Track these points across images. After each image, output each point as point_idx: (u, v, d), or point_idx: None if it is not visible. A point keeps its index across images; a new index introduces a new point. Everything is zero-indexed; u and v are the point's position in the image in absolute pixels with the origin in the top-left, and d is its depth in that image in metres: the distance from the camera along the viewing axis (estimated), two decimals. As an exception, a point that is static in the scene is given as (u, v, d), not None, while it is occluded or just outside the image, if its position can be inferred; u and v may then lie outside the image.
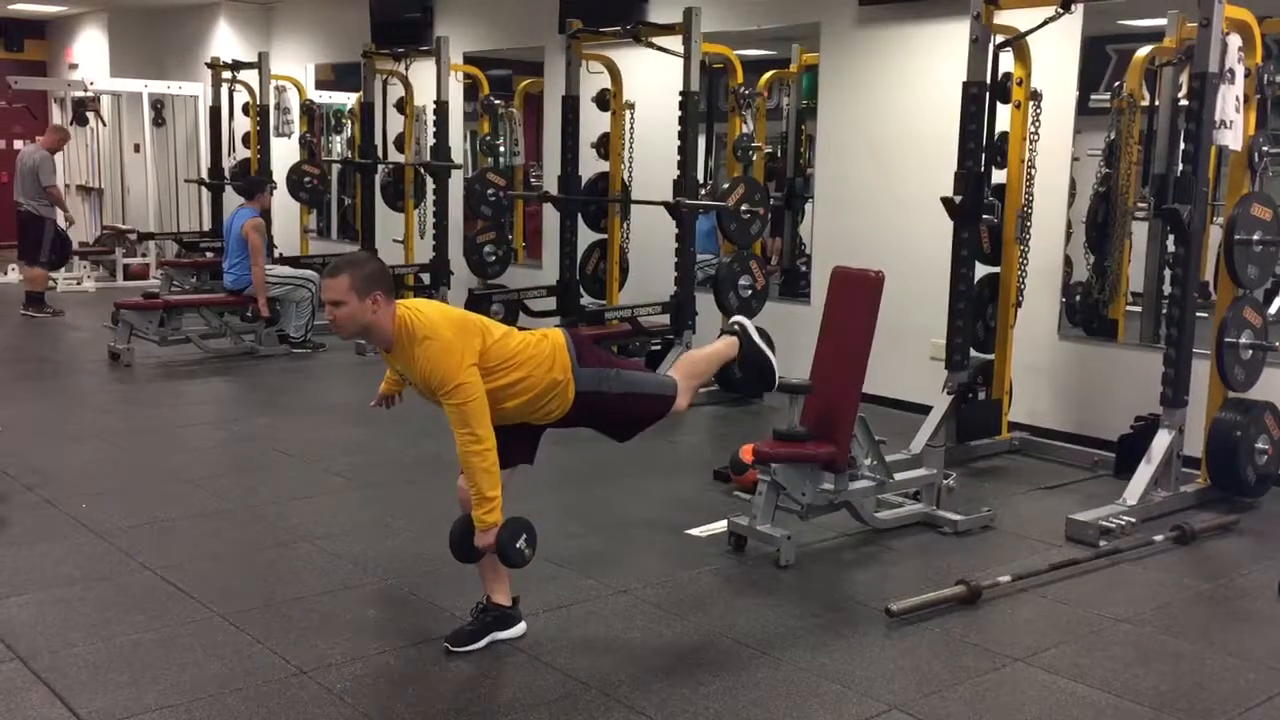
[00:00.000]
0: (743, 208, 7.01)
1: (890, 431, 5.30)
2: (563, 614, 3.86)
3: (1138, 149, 6.11)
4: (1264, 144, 5.14)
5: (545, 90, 9.44)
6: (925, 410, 5.92)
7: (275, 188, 9.84)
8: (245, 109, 11.74)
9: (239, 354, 8.50)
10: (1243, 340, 5.16)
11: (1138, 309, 6.31)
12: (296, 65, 12.25)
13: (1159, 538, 4.68)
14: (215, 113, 11.66)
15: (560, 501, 5.12)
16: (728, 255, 7.21)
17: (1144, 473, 5.02)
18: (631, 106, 8.11)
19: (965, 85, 5.66)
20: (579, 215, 8.07)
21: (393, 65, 9.92)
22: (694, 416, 6.99)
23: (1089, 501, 5.11)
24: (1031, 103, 5.84)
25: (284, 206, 11.08)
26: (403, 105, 10.01)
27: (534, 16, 9.31)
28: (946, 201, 5.71)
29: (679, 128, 6.99)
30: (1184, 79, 5.68)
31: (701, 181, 7.45)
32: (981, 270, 6.00)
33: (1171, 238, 5.36)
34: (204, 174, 12.18)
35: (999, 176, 5.90)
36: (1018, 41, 5.70)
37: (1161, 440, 5.07)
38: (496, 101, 9.83)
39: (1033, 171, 5.91)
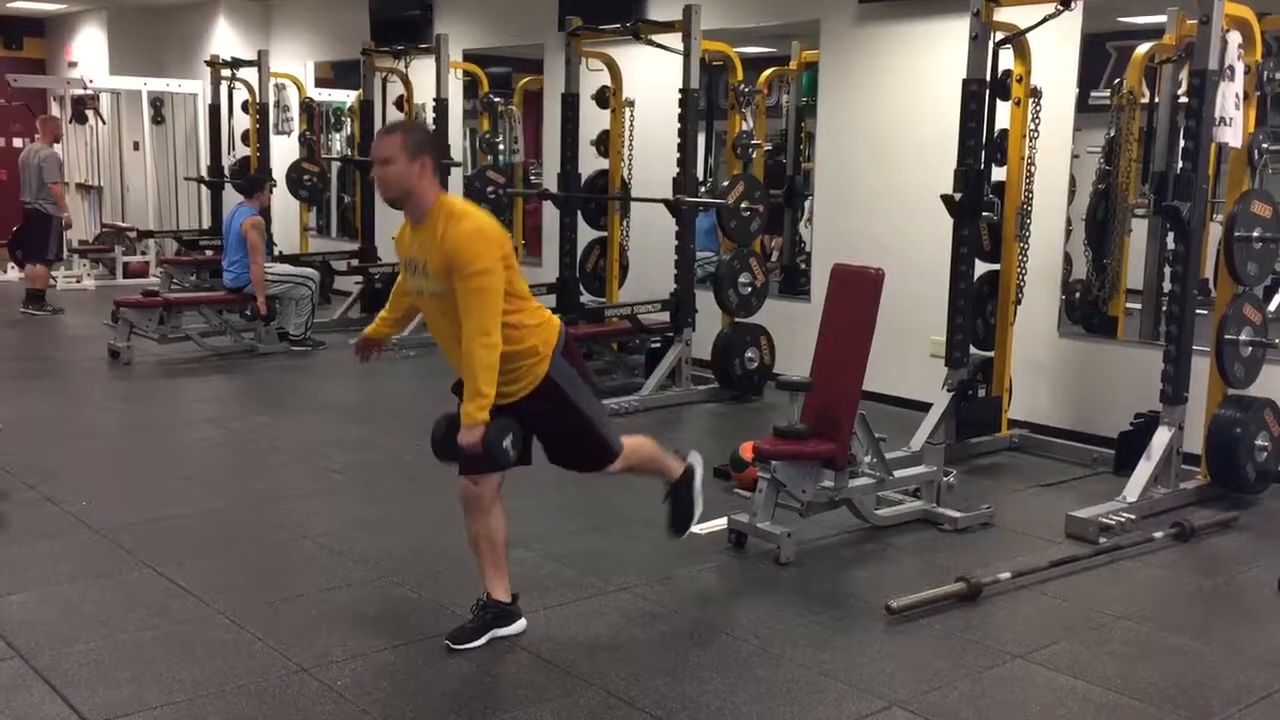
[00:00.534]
0: (742, 205, 7.00)
1: (890, 429, 5.30)
2: (563, 611, 3.87)
3: (1138, 146, 6.11)
4: (1264, 141, 5.13)
5: (545, 88, 9.44)
6: (925, 408, 5.92)
7: (275, 185, 9.84)
8: (245, 107, 11.74)
9: (239, 352, 8.50)
10: (1242, 337, 5.16)
11: (1137, 306, 6.31)
12: (296, 63, 12.25)
13: (1159, 534, 4.69)
14: (215, 110, 11.66)
15: (560, 499, 5.12)
16: (728, 253, 7.21)
17: (1144, 470, 5.03)
18: (631, 104, 8.10)
19: (965, 82, 5.66)
20: (579, 213, 8.07)
21: (392, 63, 9.92)
22: (693, 414, 7.00)
23: (1089, 498, 5.10)
24: (1031, 100, 5.84)
25: (283, 204, 11.08)
26: (402, 103, 10.01)
27: (533, 14, 9.31)
28: (946, 199, 5.71)
29: (679, 125, 6.99)
30: (1184, 76, 5.68)
31: (701, 179, 7.45)
32: (981, 268, 6.00)
33: (1171, 235, 5.36)
34: (203, 172, 12.17)
35: (999, 174, 5.91)
36: (1018, 38, 5.70)
37: (1161, 437, 5.08)
38: (496, 99, 9.82)
39: (1032, 169, 5.91)
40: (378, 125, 10.07)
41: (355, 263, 10.13)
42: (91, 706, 3.16)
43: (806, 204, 8.13)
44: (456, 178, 9.36)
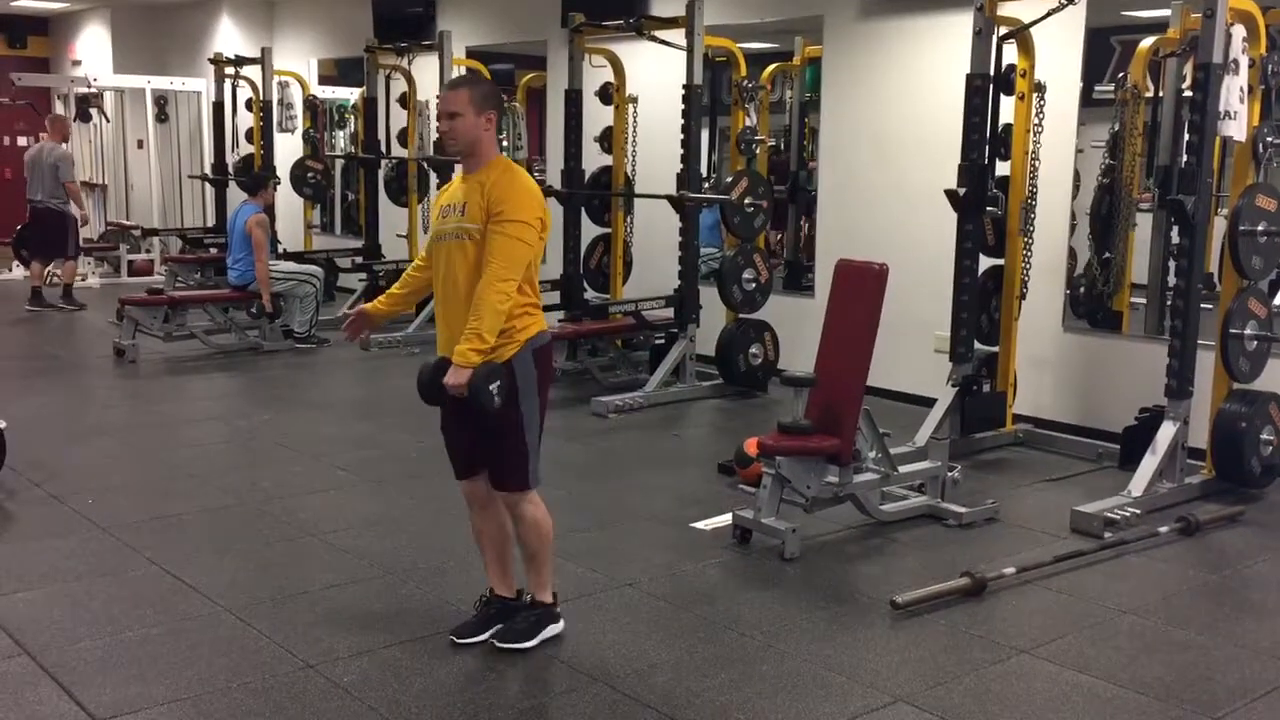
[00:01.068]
0: (746, 201, 7.00)
1: (894, 424, 5.30)
2: (568, 607, 3.86)
3: (1142, 141, 6.10)
4: (1268, 135, 5.12)
5: (548, 84, 9.43)
6: (929, 403, 5.92)
7: (279, 183, 9.84)
8: (248, 104, 11.74)
9: (243, 349, 8.51)
10: (1247, 331, 5.16)
11: (1142, 301, 6.30)
12: (299, 60, 12.25)
13: (1164, 529, 4.68)
14: (218, 108, 11.67)
15: (564, 495, 5.12)
16: (731, 249, 7.20)
17: (1149, 464, 5.02)
18: (634, 100, 8.10)
19: (969, 77, 5.65)
20: (582, 209, 8.07)
21: (395, 60, 9.92)
22: (697, 410, 7.00)
23: (1094, 493, 5.11)
24: (1035, 94, 5.83)
25: (287, 202, 11.09)
26: (405, 100, 10.01)
27: (536, 11, 9.31)
28: (950, 194, 5.70)
29: (682, 121, 6.99)
30: (1188, 70, 5.67)
31: (705, 175, 7.45)
32: (985, 262, 5.99)
33: (1176, 229, 5.35)
34: (207, 170, 12.18)
35: (1003, 168, 5.90)
36: (1021, 33, 5.69)
37: (1166, 432, 5.07)
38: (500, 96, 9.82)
39: (1036, 163, 5.90)
40: (381, 123, 10.09)
41: (359, 260, 10.14)
42: (98, 704, 3.17)
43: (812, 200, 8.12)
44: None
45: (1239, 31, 4.85)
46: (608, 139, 8.15)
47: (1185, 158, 5.02)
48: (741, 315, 7.23)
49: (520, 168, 3.51)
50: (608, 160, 8.20)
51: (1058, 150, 6.12)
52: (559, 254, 8.22)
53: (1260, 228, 5.06)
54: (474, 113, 3.37)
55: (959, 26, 6.18)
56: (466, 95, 3.39)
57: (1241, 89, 4.87)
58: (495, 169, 3.41)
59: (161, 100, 13.27)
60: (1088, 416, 6.25)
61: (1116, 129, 6.06)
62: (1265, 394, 5.25)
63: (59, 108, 12.95)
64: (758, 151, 7.40)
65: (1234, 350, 5.15)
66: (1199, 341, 5.11)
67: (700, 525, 4.75)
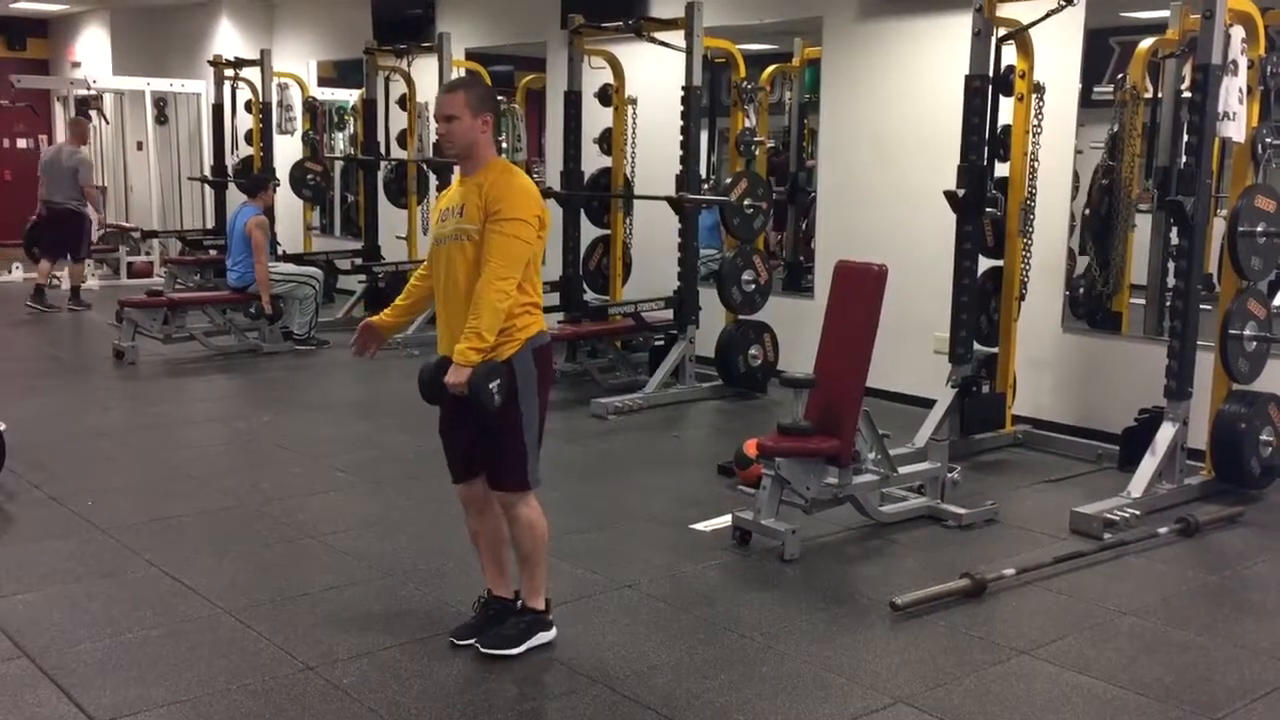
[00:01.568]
0: (745, 202, 7.00)
1: (894, 425, 5.30)
2: (567, 608, 3.86)
3: (1141, 141, 6.11)
4: (1267, 136, 5.13)
5: (547, 86, 9.43)
6: (929, 404, 5.92)
7: (278, 185, 9.85)
8: (248, 106, 11.75)
9: (243, 351, 8.51)
10: (1247, 332, 5.16)
11: (1142, 301, 6.30)
12: (299, 62, 12.25)
13: (1163, 530, 4.68)
14: (218, 110, 11.67)
15: (564, 496, 5.12)
16: (731, 250, 7.21)
17: (1148, 465, 5.02)
18: (634, 102, 8.10)
19: (968, 78, 5.66)
20: (581, 211, 8.07)
21: (395, 62, 9.92)
22: (697, 411, 7.00)
23: (1093, 494, 5.10)
24: (1034, 95, 5.84)
25: (287, 204, 11.09)
26: (405, 102, 10.01)
27: (536, 12, 9.31)
28: (949, 195, 5.71)
29: (681, 123, 6.99)
30: (1187, 71, 5.67)
31: (704, 176, 7.45)
32: (985, 263, 5.99)
33: (1175, 230, 5.35)
34: (207, 171, 12.18)
35: (1002, 169, 5.90)
36: (1020, 34, 5.70)
37: (1166, 433, 5.07)
38: (499, 97, 9.82)
39: (1035, 164, 5.91)
40: (380, 125, 10.09)
41: (359, 262, 10.14)
42: (98, 706, 3.17)
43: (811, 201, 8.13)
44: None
45: (1238, 32, 4.85)
46: (607, 140, 8.15)
47: (1184, 159, 5.03)
48: (741, 316, 7.23)
49: (518, 168, 3.51)
50: (607, 162, 8.20)
51: (1057, 151, 6.12)
52: (558, 255, 8.22)
53: (1259, 228, 5.06)
54: (470, 115, 3.38)
55: (958, 28, 6.18)
56: (463, 98, 3.39)
57: (1240, 90, 4.87)
58: (493, 170, 3.41)
59: (161, 102, 13.27)
60: (1087, 417, 6.25)
61: (1115, 130, 6.06)
62: (1265, 395, 5.25)
63: (59, 110, 12.95)
64: (757, 153, 7.40)
65: (1233, 351, 5.15)
66: (1198, 342, 5.11)
67: (700, 527, 4.75)
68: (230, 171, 11.73)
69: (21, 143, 15.56)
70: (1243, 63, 4.87)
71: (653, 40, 7.37)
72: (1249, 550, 4.65)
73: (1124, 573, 4.36)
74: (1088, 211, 6.28)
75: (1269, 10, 5.18)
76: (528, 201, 3.36)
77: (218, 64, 11.41)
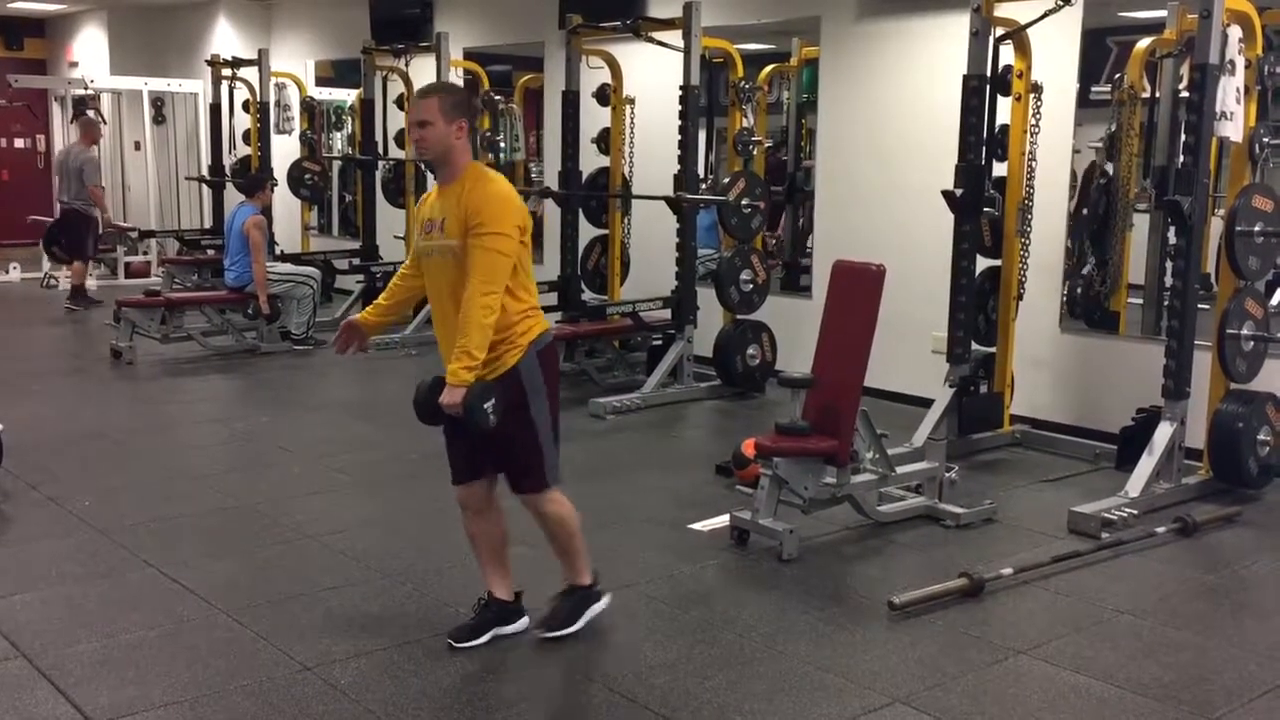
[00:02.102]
0: (743, 202, 7.00)
1: (892, 425, 5.30)
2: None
3: (1139, 141, 6.11)
4: (1265, 135, 5.13)
5: (545, 85, 9.43)
6: (927, 404, 5.92)
7: (276, 185, 9.84)
8: (245, 106, 11.73)
9: (241, 351, 8.51)
10: (1244, 332, 5.16)
11: (1139, 301, 6.31)
12: (296, 62, 12.24)
13: (1161, 529, 4.69)
14: (215, 110, 11.66)
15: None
16: (729, 250, 7.21)
17: (1146, 465, 5.03)
18: (632, 101, 8.10)
19: (965, 78, 5.66)
20: (580, 211, 8.07)
21: (393, 61, 9.92)
22: (695, 411, 7.00)
23: (1091, 494, 5.11)
24: (1032, 95, 5.84)
25: (285, 203, 11.08)
26: (403, 101, 10.00)
27: (534, 12, 9.31)
28: (947, 194, 5.71)
29: (679, 122, 6.99)
30: (1185, 71, 5.67)
31: (702, 176, 7.45)
32: (982, 263, 5.99)
33: (1172, 230, 5.35)
34: (205, 171, 12.17)
35: (999, 169, 5.90)
36: (1018, 34, 5.70)
37: (1163, 432, 5.08)
38: (497, 97, 9.82)
39: (1033, 164, 5.91)
40: (378, 124, 10.08)
41: (357, 261, 10.14)
42: (95, 706, 3.17)
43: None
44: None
45: (1235, 32, 4.85)
46: (605, 140, 8.14)
47: (1182, 158, 5.03)
48: (739, 316, 7.23)
49: (495, 174, 3.48)
50: (605, 161, 8.20)
51: (1054, 151, 6.13)
52: (557, 255, 8.23)
53: (1257, 228, 5.06)
54: (444, 121, 3.35)
55: (956, 27, 6.18)
56: (437, 103, 3.36)
57: (1238, 89, 4.87)
58: (469, 179, 3.38)
59: (158, 102, 13.25)
60: (1085, 417, 6.25)
61: (1113, 130, 6.07)
62: (1262, 394, 5.25)
63: (56, 110, 12.94)
64: (755, 153, 7.40)
65: (1231, 350, 5.15)
66: (1196, 342, 5.11)
67: (698, 526, 4.75)
68: (228, 171, 11.71)
69: (19, 142, 15.55)
70: (1240, 62, 4.87)
71: (651, 40, 7.37)
72: (1246, 550, 4.65)
73: (1122, 572, 4.36)
74: (1084, 211, 6.28)
75: (1266, 10, 5.19)
76: (506, 211, 3.32)
77: (215, 64, 11.40)
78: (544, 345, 3.47)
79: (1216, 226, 5.49)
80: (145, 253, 12.61)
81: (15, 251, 13.21)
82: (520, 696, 3.30)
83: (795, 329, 7.12)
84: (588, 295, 8.23)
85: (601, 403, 6.75)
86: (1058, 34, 5.98)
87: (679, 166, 6.99)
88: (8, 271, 12.31)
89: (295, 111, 11.28)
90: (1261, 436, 5.18)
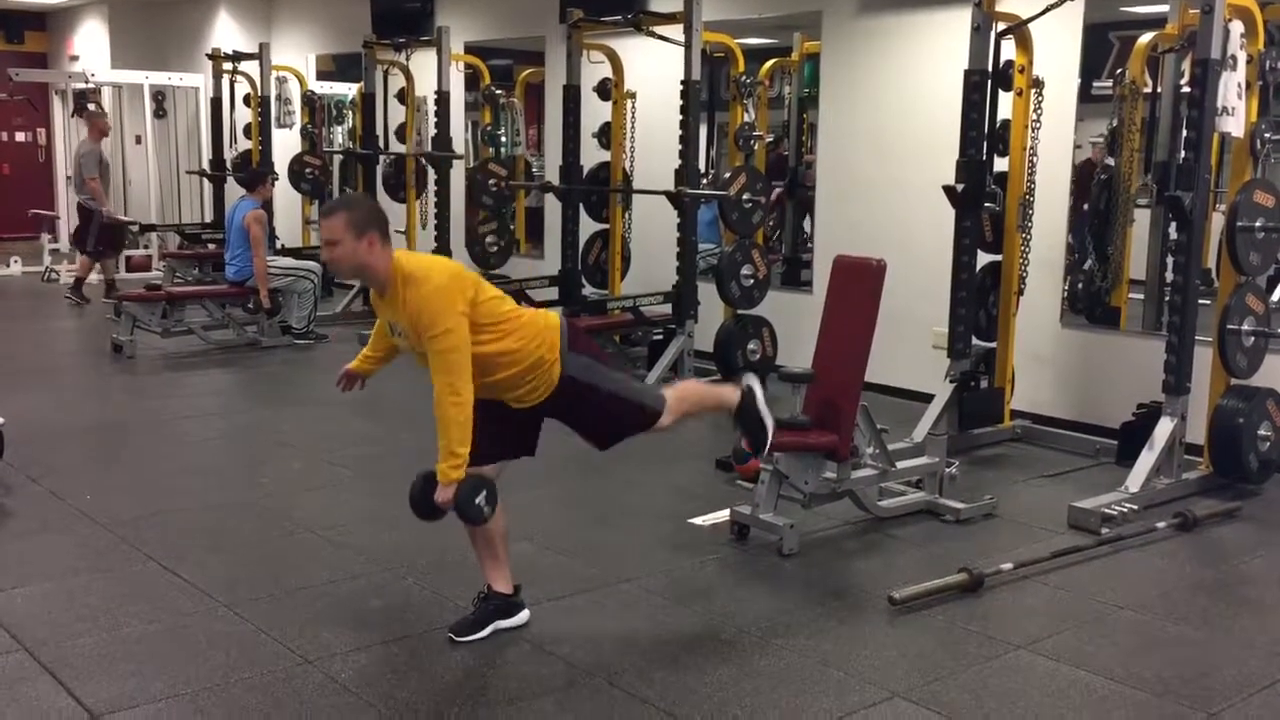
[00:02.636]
0: (744, 197, 7.00)
1: (892, 420, 5.30)
2: (566, 603, 3.87)
3: (1140, 136, 6.10)
4: (1266, 131, 5.13)
5: (546, 80, 9.43)
6: (927, 399, 5.92)
7: (277, 179, 9.84)
8: (246, 100, 11.74)
9: (241, 345, 8.51)
10: (1245, 327, 5.16)
11: (1140, 297, 6.31)
12: (297, 56, 12.24)
13: (1161, 525, 4.69)
14: (216, 104, 11.66)
15: (561, 491, 5.13)
16: (730, 245, 7.20)
17: (1146, 460, 5.03)
18: (633, 96, 8.10)
19: (967, 73, 5.65)
20: (580, 205, 8.07)
21: (394, 56, 9.91)
22: (696, 406, 6.98)
23: (1091, 489, 5.11)
24: (1033, 90, 5.83)
25: (286, 198, 11.08)
26: (404, 96, 10.00)
27: (535, 6, 9.30)
28: (948, 189, 5.70)
29: (680, 117, 6.98)
30: (1186, 66, 5.67)
31: (703, 171, 7.44)
32: (983, 258, 5.99)
33: (1173, 225, 5.35)
34: (205, 165, 12.17)
35: (1001, 164, 5.90)
36: (1020, 29, 5.69)
37: (1164, 427, 5.08)
38: (498, 91, 9.82)
39: (1034, 159, 5.90)
40: (379, 119, 10.07)
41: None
42: (96, 699, 3.17)
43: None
44: (458, 171, 9.36)
45: (1237, 27, 4.85)
46: (606, 135, 8.14)
47: (1183, 154, 5.02)
48: (740, 311, 7.23)
49: (418, 264, 3.36)
50: (606, 156, 8.19)
51: (1056, 146, 6.12)
52: (557, 250, 8.22)
53: (1258, 223, 5.06)
54: (353, 238, 3.30)
55: (957, 22, 6.18)
56: (342, 221, 3.30)
57: (1239, 85, 4.87)
58: (399, 285, 3.33)
59: (159, 96, 13.25)
60: (1085, 412, 6.25)
61: (1115, 125, 6.06)
62: (1263, 390, 5.25)
63: (57, 103, 12.94)
64: (756, 147, 7.39)
65: (1231, 346, 5.15)
66: (1196, 337, 5.10)
67: (698, 521, 4.75)
68: (229, 165, 11.71)
69: (20, 136, 15.55)
70: (1242, 58, 4.87)
71: (652, 35, 7.36)
72: (1246, 545, 4.66)
73: (1121, 568, 4.36)
74: (1085, 206, 6.28)
75: (1268, 5, 5.18)
76: (444, 305, 3.27)
77: (216, 58, 11.39)
78: (569, 336, 3.53)
79: (1218, 222, 5.48)
80: (146, 247, 12.61)
81: (15, 245, 13.22)
82: (520, 691, 3.30)
83: (796, 324, 7.12)
84: (588, 290, 8.23)
85: (602, 397, 6.74)
86: (1060, 29, 5.98)
87: (680, 161, 6.98)
88: (9, 265, 12.31)
89: (296, 106, 11.29)
90: (1262, 432, 5.18)
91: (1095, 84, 6.33)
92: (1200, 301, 5.12)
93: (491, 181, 8.77)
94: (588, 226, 8.22)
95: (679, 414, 3.75)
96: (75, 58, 14.74)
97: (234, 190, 10.49)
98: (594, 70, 8.00)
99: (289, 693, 3.23)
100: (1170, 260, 5.86)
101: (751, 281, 7.14)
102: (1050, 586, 4.13)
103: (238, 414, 6.73)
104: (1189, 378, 5.10)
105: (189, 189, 13.49)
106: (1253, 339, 5.19)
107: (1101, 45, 6.39)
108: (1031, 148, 5.88)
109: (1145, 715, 3.22)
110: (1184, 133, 5.07)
